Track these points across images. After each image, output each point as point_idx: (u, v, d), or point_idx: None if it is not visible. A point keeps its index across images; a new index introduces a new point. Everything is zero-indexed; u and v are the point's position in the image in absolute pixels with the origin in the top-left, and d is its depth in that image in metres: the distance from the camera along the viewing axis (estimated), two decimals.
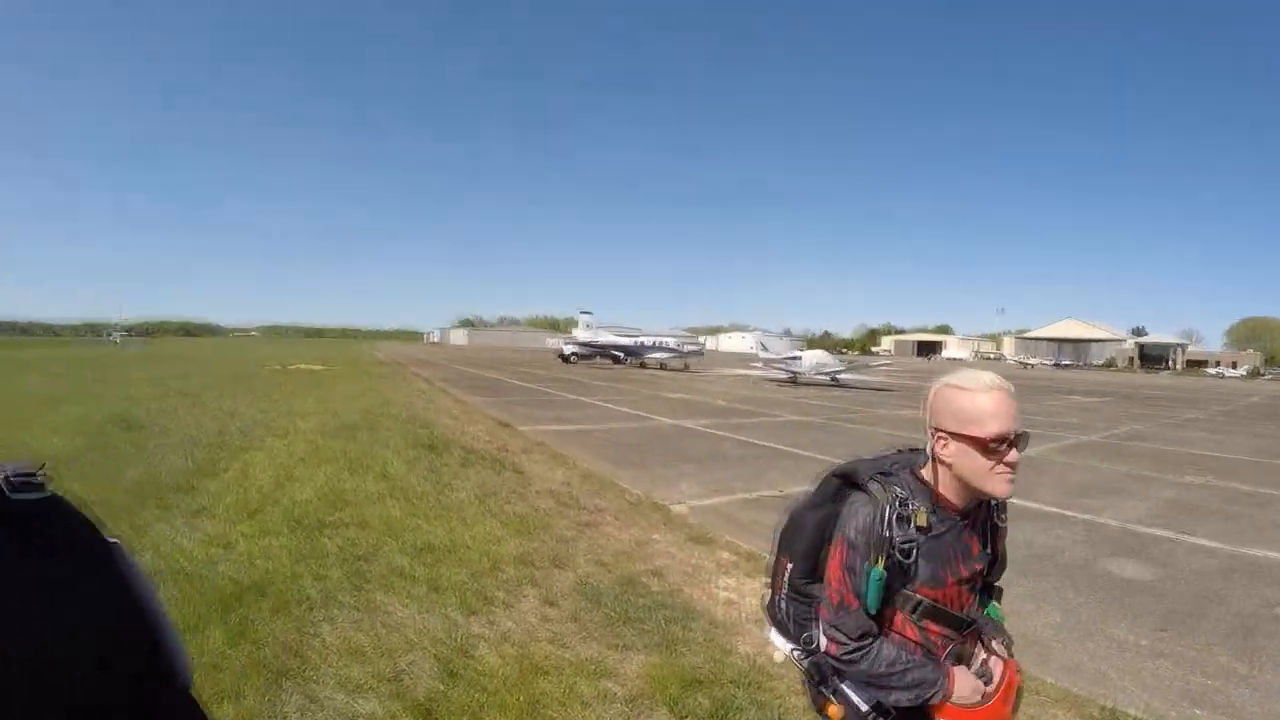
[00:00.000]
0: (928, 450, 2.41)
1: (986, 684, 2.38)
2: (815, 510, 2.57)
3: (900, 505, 2.31)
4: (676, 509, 10.14)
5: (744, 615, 6.35)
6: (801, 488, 8.71)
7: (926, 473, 2.42)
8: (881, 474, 2.43)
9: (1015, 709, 2.42)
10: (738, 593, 6.87)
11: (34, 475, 1.39)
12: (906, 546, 2.28)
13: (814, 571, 2.50)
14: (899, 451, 2.60)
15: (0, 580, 1.28)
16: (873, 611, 2.30)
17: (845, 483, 2.51)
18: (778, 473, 13.29)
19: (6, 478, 1.37)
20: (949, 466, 2.33)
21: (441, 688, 5.02)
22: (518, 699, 4.80)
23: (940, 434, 2.32)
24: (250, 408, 23.27)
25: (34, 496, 1.37)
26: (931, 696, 2.30)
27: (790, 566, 2.59)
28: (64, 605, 1.34)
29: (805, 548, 2.54)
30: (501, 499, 10.64)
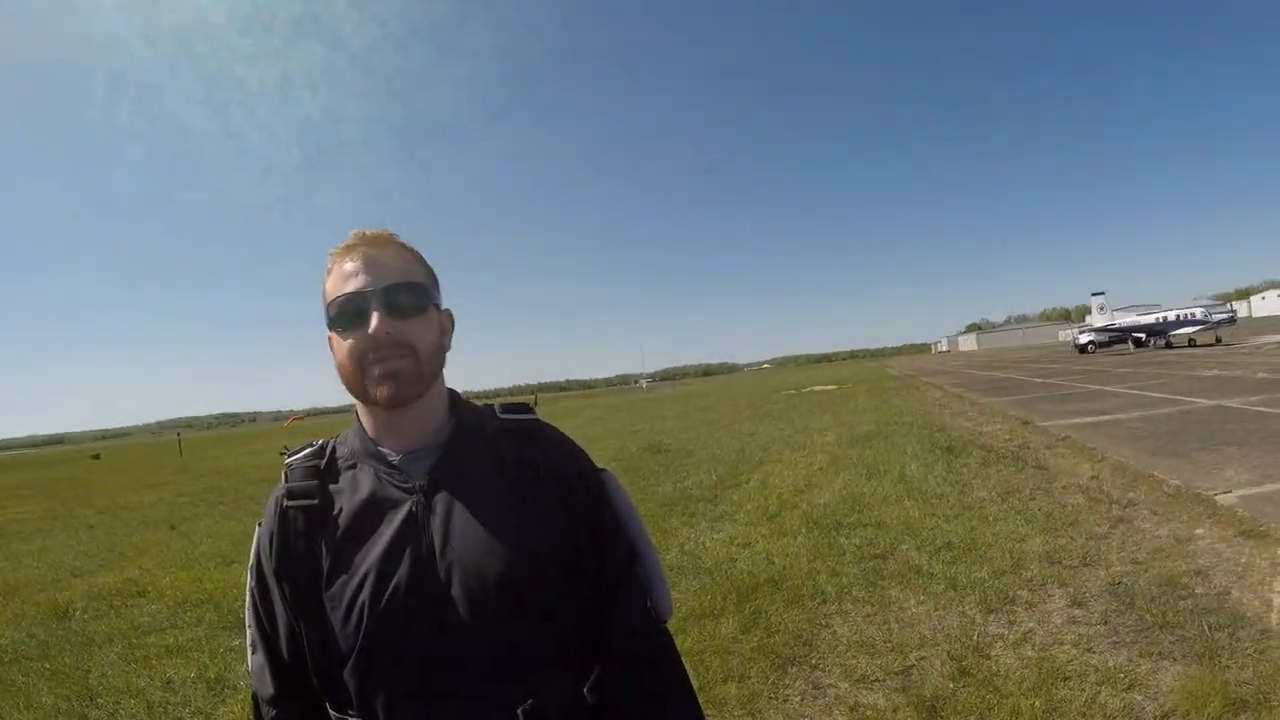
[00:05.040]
0: None
1: None
2: None
3: None
4: (1222, 499, 8.94)
5: None
6: None
7: None
8: None
9: None
10: None
11: (524, 404, 1.70)
12: None
13: None
14: None
15: (496, 479, 1.57)
16: None
17: None
18: None
19: (498, 404, 1.69)
20: None
21: (951, 686, 4.89)
22: (1031, 704, 4.50)
23: None
24: (768, 428, 24.46)
25: (524, 417, 1.67)
26: None
27: None
28: (554, 510, 1.59)
29: None
30: (1024, 496, 10.16)
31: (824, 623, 6.16)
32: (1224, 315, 62.40)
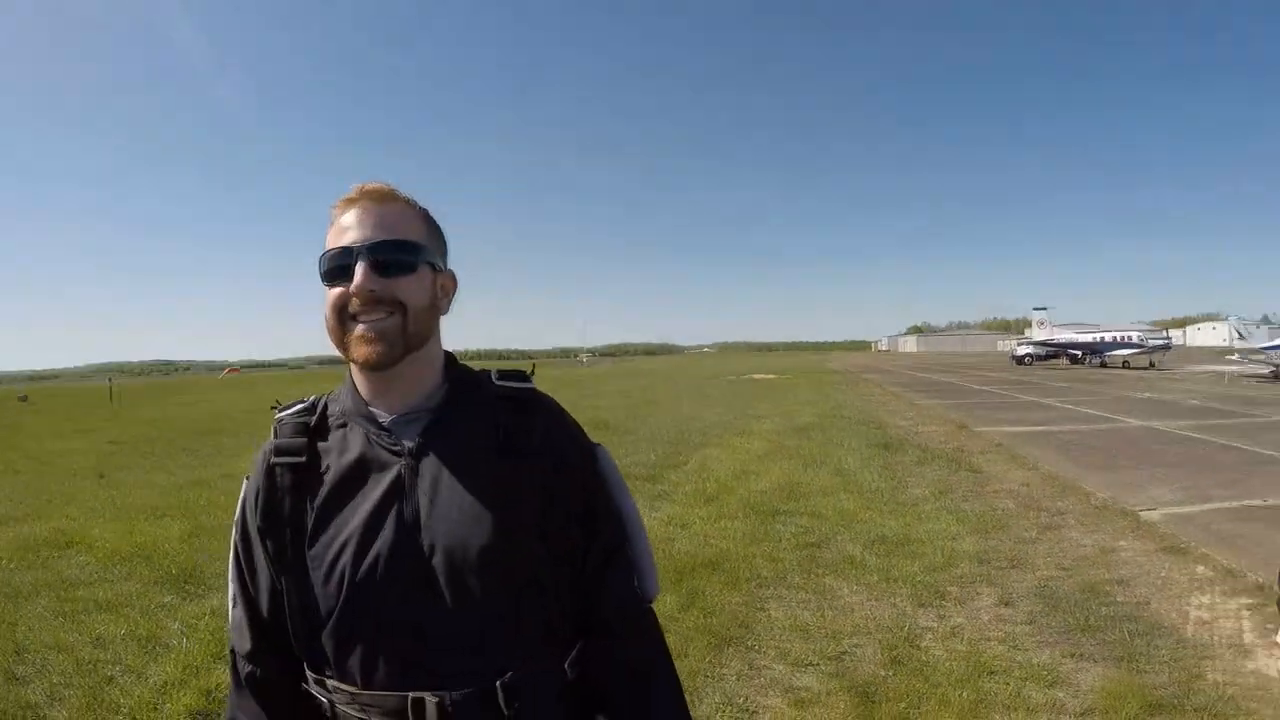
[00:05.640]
0: None
1: None
2: None
3: None
4: (1147, 516, 9.25)
5: (1218, 638, 5.60)
6: None
7: None
8: None
9: None
10: (1212, 612, 6.09)
11: (521, 372, 1.68)
12: None
13: None
14: None
15: (488, 447, 1.54)
16: None
17: None
18: (1264, 481, 11.59)
19: (495, 370, 1.67)
20: None
21: (884, 674, 5.04)
22: (961, 696, 4.68)
23: None
24: (709, 412, 24.67)
25: (521, 385, 1.64)
26: None
27: None
28: (546, 483, 1.57)
29: None
30: (958, 497, 10.45)
31: (761, 606, 6.28)
32: (1160, 342, 64.03)
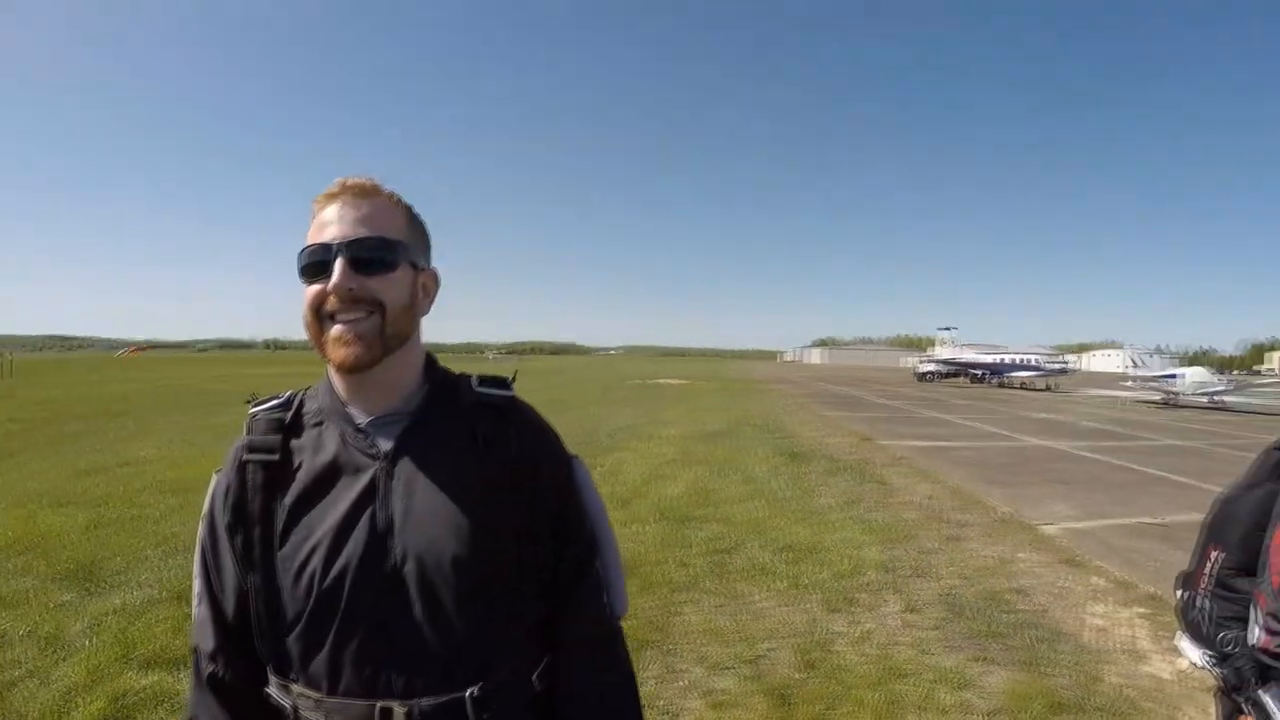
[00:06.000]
0: None
1: None
2: (1253, 490, 2.30)
3: None
4: (1045, 530, 9.60)
5: (1115, 643, 5.88)
6: (1184, 516, 8.13)
7: None
8: None
9: None
10: (1109, 620, 6.37)
11: (502, 378, 1.65)
12: None
13: (1247, 563, 2.28)
14: None
15: (465, 455, 1.52)
16: None
17: None
18: (1155, 499, 12.17)
19: (475, 375, 1.64)
20: None
21: (799, 677, 5.12)
22: (875, 697, 4.79)
23: None
24: (619, 415, 24.67)
25: (501, 393, 1.61)
26: None
27: (1219, 556, 2.34)
28: (521, 494, 1.54)
29: (1241, 534, 2.26)
30: (865, 507, 10.63)
31: (676, 611, 6.31)
32: (1059, 366, 66.41)
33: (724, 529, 9.08)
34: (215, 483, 1.59)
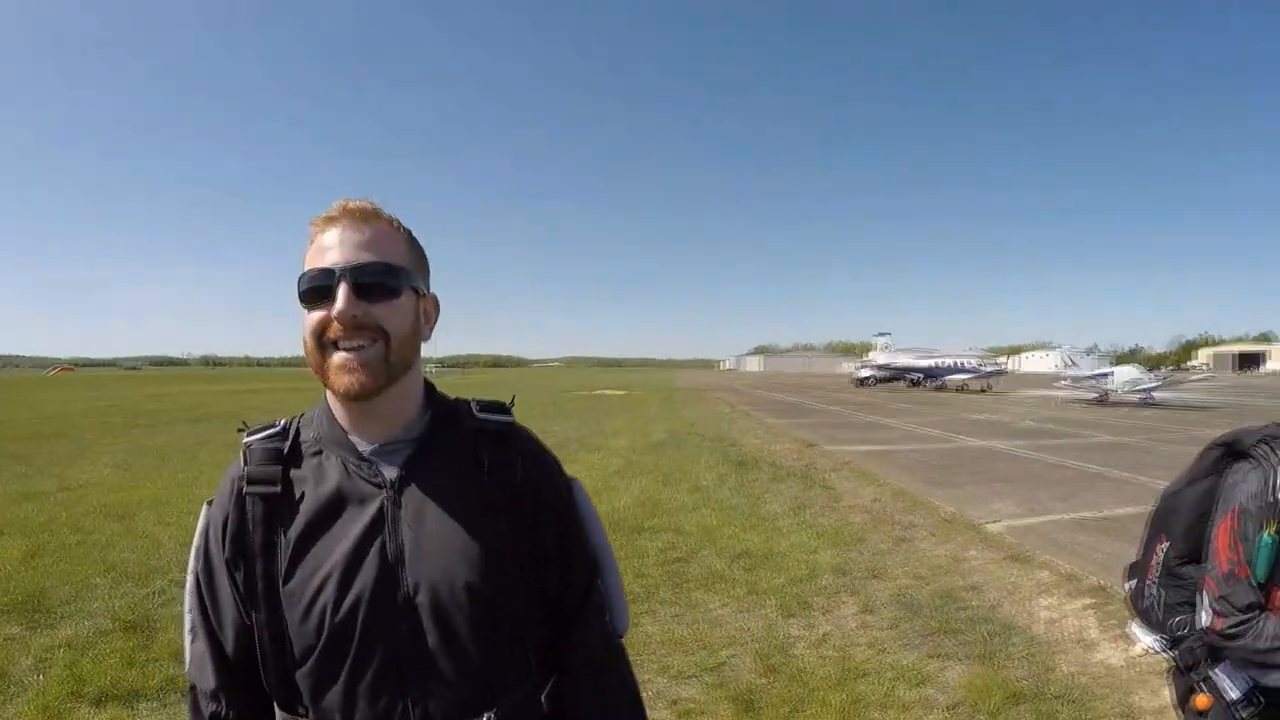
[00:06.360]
0: None
1: None
2: (1195, 484, 2.46)
3: None
4: (991, 528, 9.79)
5: (1066, 634, 6.05)
6: (1124, 509, 8.34)
7: None
8: (1269, 438, 2.29)
9: None
10: (1058, 612, 6.54)
11: (502, 404, 1.65)
12: None
13: (1192, 551, 2.42)
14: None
15: (471, 481, 1.52)
16: (1261, 579, 2.18)
17: (1227, 451, 2.39)
18: (1095, 493, 12.50)
19: (474, 400, 1.63)
20: None
21: (762, 681, 5.17)
22: (838, 698, 4.86)
23: None
24: (562, 427, 24.63)
25: (503, 419, 1.61)
26: None
27: (1166, 546, 2.50)
28: (526, 520, 1.55)
29: (1186, 525, 2.44)
30: (814, 512, 10.76)
31: (634, 622, 6.27)
32: (994, 368, 67.75)
33: (676, 538, 9.10)
34: (207, 514, 1.55)
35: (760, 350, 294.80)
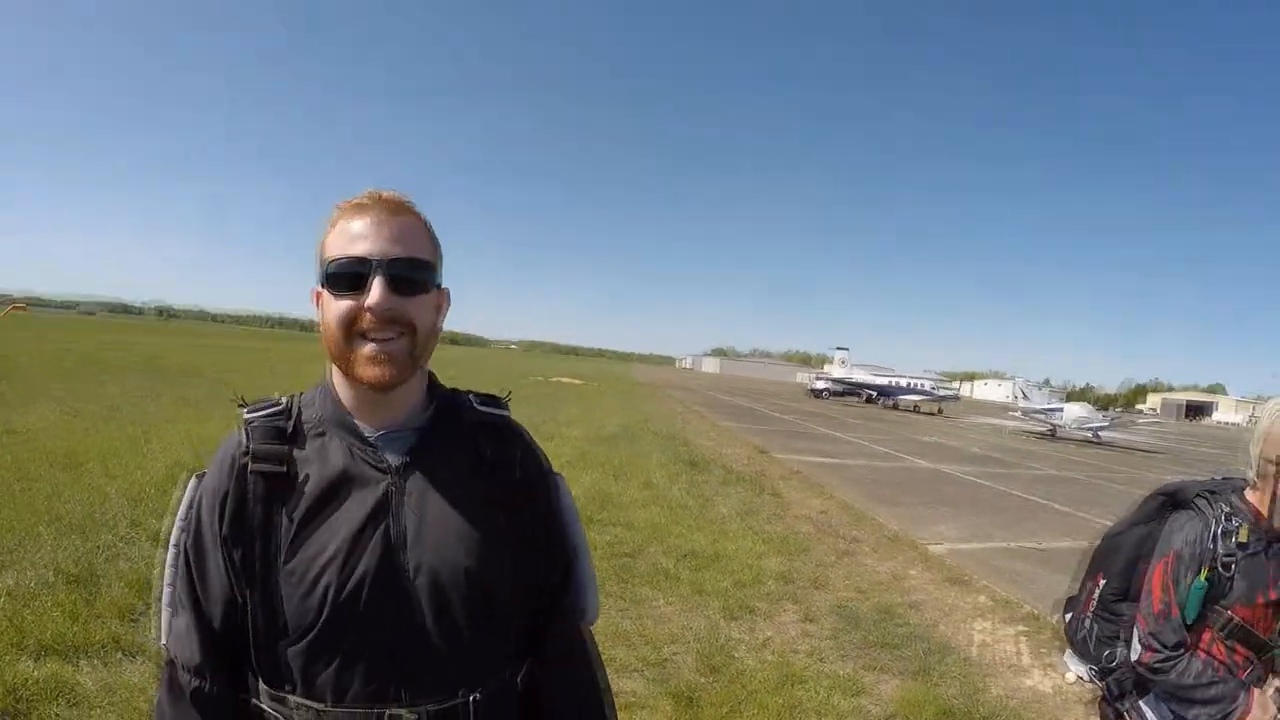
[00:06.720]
0: (1251, 475, 2.44)
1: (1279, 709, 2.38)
2: (1136, 528, 2.67)
3: (1226, 520, 2.39)
4: (934, 549, 9.99)
5: (999, 658, 6.26)
6: (1063, 542, 8.58)
7: (1251, 495, 2.46)
8: (1209, 492, 2.51)
9: None
10: (993, 636, 6.75)
11: (499, 398, 1.73)
12: (1228, 560, 2.35)
13: (1127, 589, 2.60)
14: (1221, 479, 2.62)
15: (471, 472, 1.58)
16: (1190, 621, 2.37)
17: (1170, 501, 2.60)
18: (1037, 525, 12.82)
19: (473, 393, 1.71)
20: None
21: (703, 680, 5.27)
22: (776, 701, 4.98)
23: None
24: (516, 413, 24.60)
25: (501, 412, 1.68)
26: (1230, 713, 2.31)
27: (1104, 583, 2.71)
28: (521, 511, 1.63)
29: (1124, 565, 2.65)
30: (762, 519, 10.88)
31: None
32: (948, 392, 68.62)
33: (625, 533, 9.17)
34: (198, 486, 1.55)
35: (719, 352, 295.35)
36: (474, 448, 1.58)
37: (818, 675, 5.52)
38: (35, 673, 4.44)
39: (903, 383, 68.34)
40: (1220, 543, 2.36)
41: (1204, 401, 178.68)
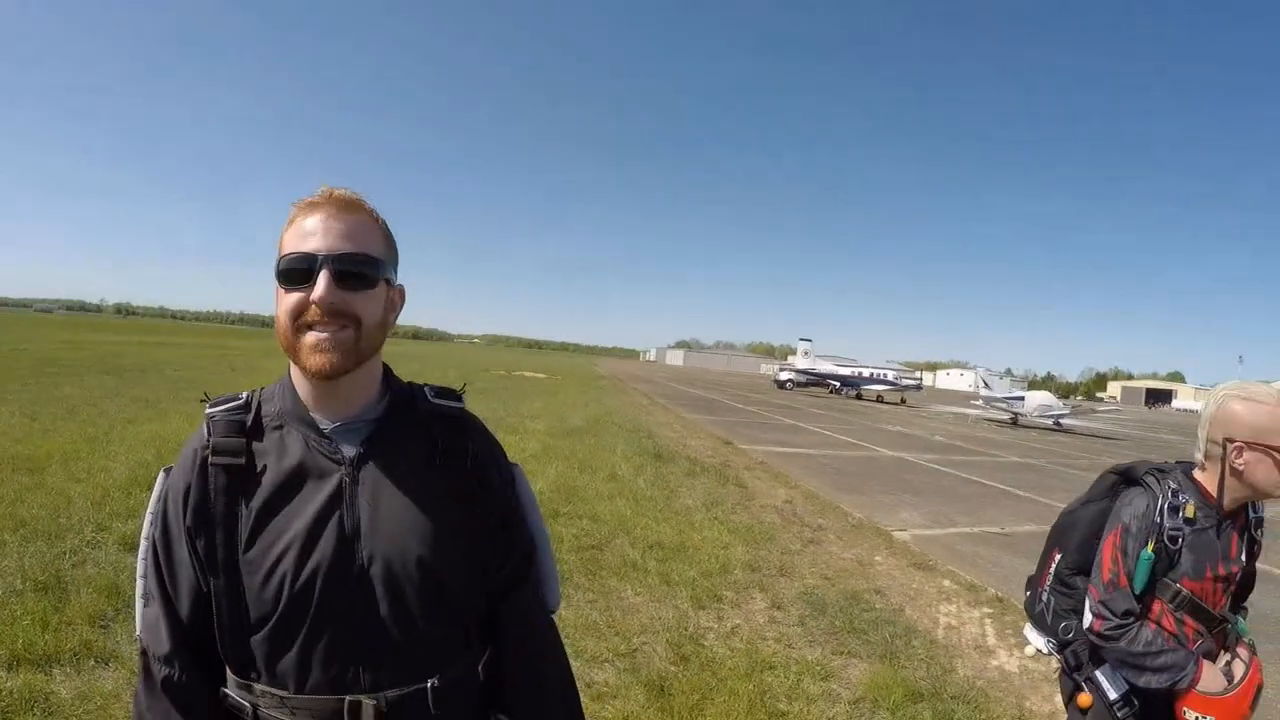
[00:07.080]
0: (1199, 457, 2.57)
1: (1229, 681, 2.46)
2: (1090, 505, 2.80)
3: (1173, 496, 2.49)
4: (898, 535, 10.10)
5: (965, 640, 6.35)
6: (1026, 527, 8.73)
7: (1200, 475, 2.57)
8: (1158, 470, 2.63)
9: (1254, 707, 2.49)
10: (958, 619, 6.84)
11: (454, 391, 1.77)
12: (1174, 534, 2.45)
13: (1083, 564, 2.71)
14: (1175, 462, 2.72)
15: (425, 463, 1.62)
16: (1138, 590, 2.47)
17: (1122, 479, 2.71)
18: (999, 510, 13.01)
19: (428, 386, 1.75)
20: (1239, 474, 2.45)
21: (674, 669, 5.29)
22: (747, 688, 5.00)
23: (1235, 443, 2.43)
24: (479, 407, 24.44)
25: (455, 405, 1.72)
26: (1180, 680, 2.40)
27: (1059, 558, 2.83)
28: (475, 501, 1.66)
29: (1079, 540, 2.76)
30: (727, 509, 10.91)
31: None
32: (912, 382, 69.34)
33: (592, 525, 9.14)
34: (166, 480, 1.61)
35: (683, 345, 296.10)
36: (429, 439, 1.63)
37: (787, 661, 5.56)
38: (9, 683, 4.36)
39: (866, 373, 68.93)
40: (1166, 516, 2.47)
41: (1164, 389, 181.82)
